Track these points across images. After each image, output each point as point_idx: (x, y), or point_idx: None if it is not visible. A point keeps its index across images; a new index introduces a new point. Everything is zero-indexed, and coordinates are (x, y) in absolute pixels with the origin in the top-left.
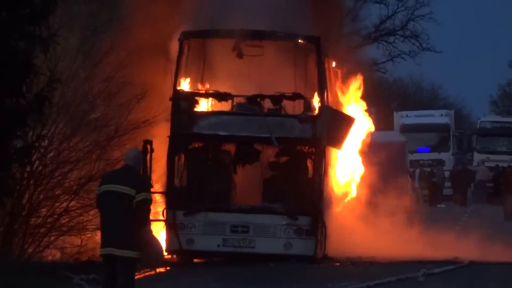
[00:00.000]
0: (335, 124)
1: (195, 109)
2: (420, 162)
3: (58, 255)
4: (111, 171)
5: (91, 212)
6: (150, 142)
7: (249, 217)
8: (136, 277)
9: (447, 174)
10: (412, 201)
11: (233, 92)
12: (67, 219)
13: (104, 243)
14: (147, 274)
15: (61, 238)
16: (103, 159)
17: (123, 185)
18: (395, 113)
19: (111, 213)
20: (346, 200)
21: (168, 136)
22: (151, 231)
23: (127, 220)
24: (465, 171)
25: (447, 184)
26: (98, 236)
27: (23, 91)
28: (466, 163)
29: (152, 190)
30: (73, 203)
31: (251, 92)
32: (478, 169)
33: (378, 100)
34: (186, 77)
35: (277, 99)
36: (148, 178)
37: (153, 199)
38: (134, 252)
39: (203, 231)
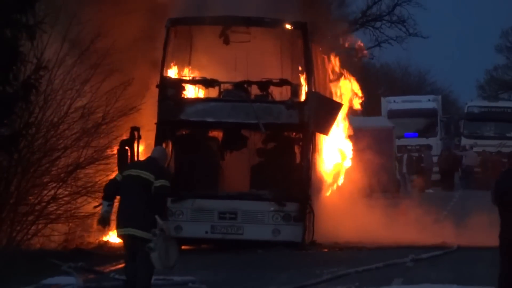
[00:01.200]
0: (322, 110)
1: (182, 96)
2: (408, 147)
3: (46, 242)
4: (135, 161)
5: (79, 200)
6: (138, 129)
7: (237, 204)
8: (123, 265)
9: (435, 159)
10: (400, 186)
11: (220, 79)
12: (55, 207)
13: (123, 223)
14: None
15: (49, 226)
16: (90, 147)
17: (143, 170)
18: (382, 98)
19: (130, 196)
20: (333, 186)
21: (155, 123)
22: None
23: (145, 203)
24: (452, 156)
25: (435, 169)
26: (86, 223)
27: (10, 79)
28: (453, 148)
29: None
30: (60, 190)
31: (238, 78)
32: (466, 154)
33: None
34: (173, 64)
35: (264, 85)
36: (169, 170)
37: None
38: (149, 234)
39: (191, 218)
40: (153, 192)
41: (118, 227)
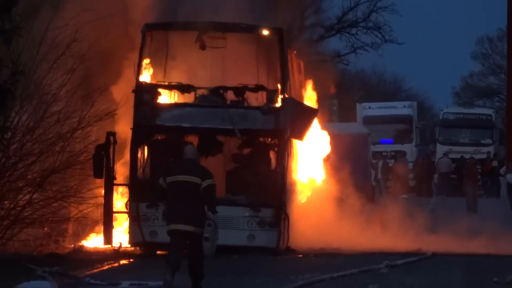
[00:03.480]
0: (298, 116)
1: (158, 101)
2: (383, 153)
3: (21, 247)
4: (174, 165)
5: (54, 205)
6: (114, 134)
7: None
8: (99, 269)
9: (410, 165)
10: (375, 193)
11: (196, 84)
12: (30, 211)
13: (176, 221)
14: (110, 266)
15: (24, 230)
16: (66, 151)
17: (189, 175)
18: (357, 104)
19: (181, 199)
20: (309, 192)
21: (131, 128)
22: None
23: (196, 204)
24: (427, 162)
25: (410, 175)
26: (61, 228)
27: None
28: (429, 155)
29: (115, 182)
30: (36, 195)
31: (214, 84)
32: (440, 161)
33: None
34: (149, 69)
35: (240, 91)
36: (208, 168)
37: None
38: (201, 229)
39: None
40: (202, 192)
41: (172, 223)
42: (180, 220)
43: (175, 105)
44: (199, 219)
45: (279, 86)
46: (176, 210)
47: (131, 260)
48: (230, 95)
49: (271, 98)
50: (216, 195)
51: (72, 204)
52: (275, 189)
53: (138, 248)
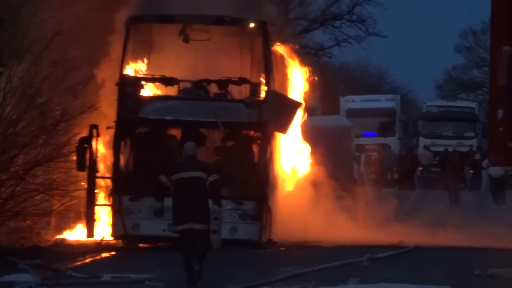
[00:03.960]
0: (281, 109)
1: (142, 94)
2: (366, 146)
3: (3, 240)
4: (177, 163)
5: (37, 197)
6: (96, 127)
7: None
8: (81, 262)
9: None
10: (358, 186)
11: (179, 77)
12: (13, 204)
13: (184, 220)
14: (92, 259)
15: (7, 223)
16: (49, 144)
17: (195, 171)
18: (341, 97)
19: (189, 195)
20: (292, 184)
21: (114, 121)
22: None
23: (203, 199)
24: (410, 155)
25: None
26: (43, 220)
27: None
28: (412, 148)
29: (98, 175)
30: (18, 188)
31: (197, 77)
32: (422, 154)
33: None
34: (132, 61)
35: (223, 83)
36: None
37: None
38: (208, 225)
39: (148, 216)
40: (208, 187)
41: (181, 223)
42: (194, 219)
43: (159, 98)
44: (208, 215)
45: (262, 79)
46: (187, 208)
47: (113, 253)
48: (213, 88)
49: (254, 91)
50: (220, 191)
51: (54, 197)
52: (257, 182)
53: (120, 241)
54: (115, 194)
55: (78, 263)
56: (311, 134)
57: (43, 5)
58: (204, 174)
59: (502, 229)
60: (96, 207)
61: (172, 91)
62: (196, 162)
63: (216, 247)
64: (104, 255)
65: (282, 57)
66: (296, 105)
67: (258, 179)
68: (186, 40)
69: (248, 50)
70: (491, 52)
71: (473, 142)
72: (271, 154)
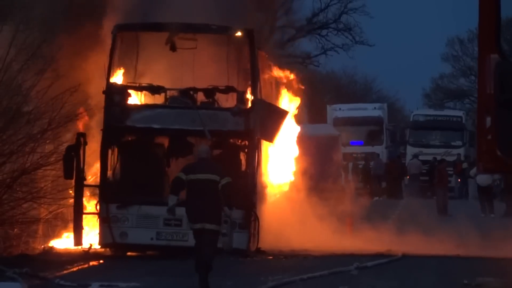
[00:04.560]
0: (268, 117)
1: (129, 102)
2: (353, 155)
3: None
4: (192, 164)
5: (24, 206)
6: (84, 135)
7: (182, 210)
8: (69, 270)
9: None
10: (345, 194)
11: (166, 85)
12: (0, 212)
13: (196, 219)
14: (80, 267)
15: None
16: (36, 152)
17: (209, 174)
18: (328, 106)
19: (201, 197)
20: (279, 193)
21: (101, 129)
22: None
23: (214, 201)
24: (398, 164)
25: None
26: (31, 229)
27: None
28: (399, 156)
29: (85, 183)
30: (6, 196)
31: (184, 85)
32: (410, 163)
33: (311, 93)
34: (119, 70)
35: (210, 92)
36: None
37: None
38: (218, 226)
39: (136, 224)
40: (221, 189)
41: (194, 222)
42: (206, 219)
43: (146, 106)
44: (219, 217)
45: (249, 87)
46: (200, 209)
47: (101, 261)
48: (200, 97)
49: (241, 100)
50: (232, 193)
51: (42, 205)
52: (245, 191)
53: (108, 249)
54: (103, 202)
55: (66, 272)
56: (299, 142)
57: (30, 13)
58: (217, 177)
59: (490, 238)
60: (83, 215)
61: (159, 99)
62: (210, 165)
63: (227, 249)
64: (92, 263)
65: (269, 65)
66: (284, 113)
67: (246, 187)
68: (173, 48)
69: (235, 58)
70: (478, 60)
71: (461, 151)
72: (259, 162)
